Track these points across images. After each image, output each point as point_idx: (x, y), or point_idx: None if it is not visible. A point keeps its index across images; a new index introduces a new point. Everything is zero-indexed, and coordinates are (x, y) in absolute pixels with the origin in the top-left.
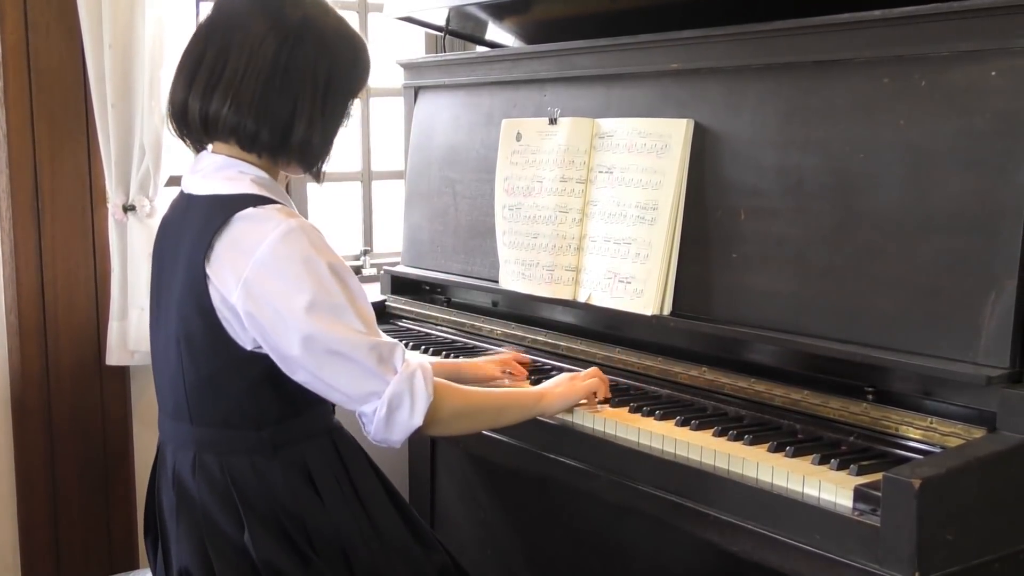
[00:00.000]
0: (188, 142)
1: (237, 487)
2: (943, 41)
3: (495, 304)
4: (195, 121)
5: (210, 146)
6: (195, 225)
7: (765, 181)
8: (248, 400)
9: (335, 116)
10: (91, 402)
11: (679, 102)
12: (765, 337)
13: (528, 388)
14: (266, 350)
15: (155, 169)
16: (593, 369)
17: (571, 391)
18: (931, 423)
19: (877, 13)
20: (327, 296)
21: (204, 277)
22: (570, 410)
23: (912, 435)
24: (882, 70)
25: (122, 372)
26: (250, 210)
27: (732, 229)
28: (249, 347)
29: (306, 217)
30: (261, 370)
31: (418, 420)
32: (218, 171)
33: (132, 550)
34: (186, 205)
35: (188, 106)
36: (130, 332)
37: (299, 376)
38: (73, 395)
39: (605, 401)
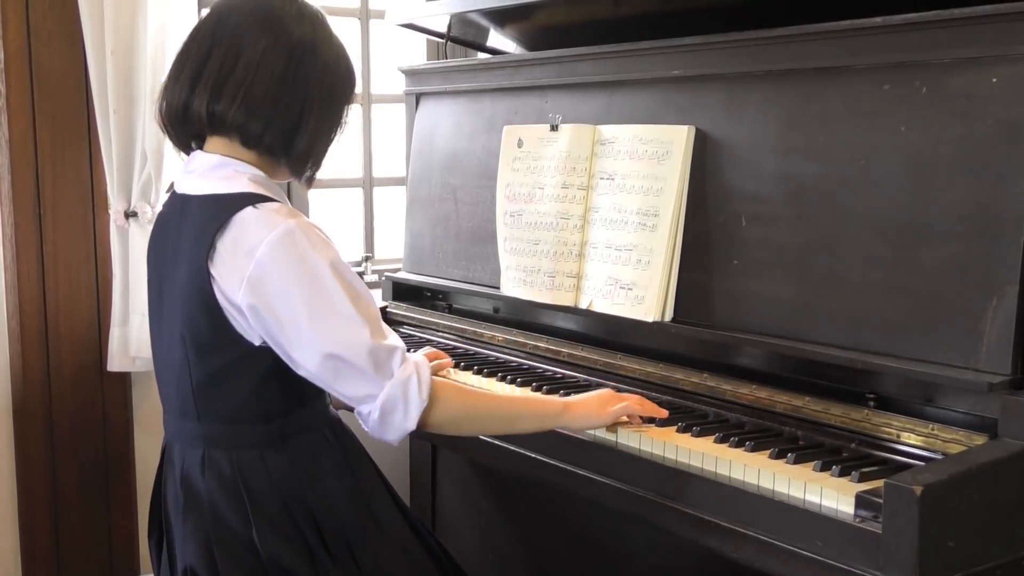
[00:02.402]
0: (177, 143)
1: (246, 482)
2: (944, 48)
3: (496, 310)
4: (199, 118)
5: (195, 145)
6: (195, 225)
7: (766, 187)
8: (256, 394)
9: (335, 125)
10: (92, 408)
11: (680, 109)
12: (766, 343)
13: (552, 398)
14: (271, 346)
15: (157, 175)
16: (636, 397)
17: (600, 412)
18: (932, 429)
19: (878, 20)
20: (326, 297)
21: (208, 276)
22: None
23: (913, 442)
24: (883, 77)
25: (123, 378)
26: (249, 210)
27: (733, 235)
28: (257, 343)
29: None
30: (269, 364)
31: (411, 424)
32: (214, 170)
33: (133, 556)
34: (182, 206)
35: (190, 105)
36: (131, 338)
37: (302, 372)
38: (74, 401)
39: (650, 421)
